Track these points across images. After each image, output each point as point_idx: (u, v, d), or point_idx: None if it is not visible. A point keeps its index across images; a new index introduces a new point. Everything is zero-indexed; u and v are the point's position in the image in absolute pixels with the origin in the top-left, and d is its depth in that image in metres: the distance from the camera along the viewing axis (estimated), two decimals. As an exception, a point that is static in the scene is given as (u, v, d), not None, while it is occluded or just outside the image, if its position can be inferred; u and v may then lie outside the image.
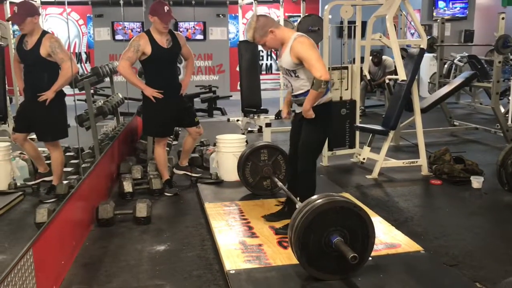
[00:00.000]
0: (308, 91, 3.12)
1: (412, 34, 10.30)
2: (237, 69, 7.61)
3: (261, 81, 7.82)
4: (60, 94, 3.88)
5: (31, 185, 4.15)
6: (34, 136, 4.36)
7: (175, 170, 4.64)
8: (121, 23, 10.34)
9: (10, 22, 5.69)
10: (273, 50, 3.45)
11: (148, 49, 3.98)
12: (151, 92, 4.04)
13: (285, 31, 3.21)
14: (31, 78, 3.88)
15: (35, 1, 8.47)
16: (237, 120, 7.75)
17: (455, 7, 11.07)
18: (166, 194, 4.29)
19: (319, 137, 3.26)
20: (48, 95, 3.76)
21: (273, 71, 12.08)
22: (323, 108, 3.18)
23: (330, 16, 5.19)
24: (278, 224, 3.42)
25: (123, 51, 4.04)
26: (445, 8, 11.06)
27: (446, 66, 9.06)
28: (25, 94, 3.96)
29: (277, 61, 3.35)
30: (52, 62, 3.77)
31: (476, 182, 4.41)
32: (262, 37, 3.16)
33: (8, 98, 5.90)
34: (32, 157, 4.26)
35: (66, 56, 3.79)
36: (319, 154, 3.34)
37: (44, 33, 3.79)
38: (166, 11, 3.95)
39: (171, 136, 5.41)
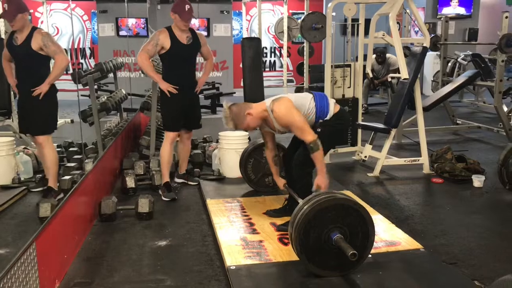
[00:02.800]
0: (312, 118, 3.23)
1: (416, 32, 10.27)
2: (241, 65, 7.61)
3: (264, 78, 7.83)
4: (53, 89, 3.87)
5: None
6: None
7: (175, 179, 4.56)
8: (125, 18, 10.36)
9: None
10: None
11: (167, 44, 4.04)
12: (166, 86, 4.09)
13: (258, 107, 3.27)
14: (23, 73, 3.87)
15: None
16: (240, 117, 7.74)
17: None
18: (164, 199, 4.13)
19: (325, 144, 3.29)
20: (42, 88, 3.75)
21: (277, 68, 12.08)
22: (328, 122, 3.27)
23: (333, 14, 5.19)
24: (279, 221, 3.44)
25: (143, 44, 4.11)
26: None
27: (449, 64, 9.03)
28: (19, 91, 3.95)
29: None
30: (43, 56, 3.78)
31: (478, 181, 4.42)
32: (242, 122, 3.23)
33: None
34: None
35: (58, 48, 3.82)
36: None
37: (34, 28, 3.82)
38: (187, 9, 4.02)
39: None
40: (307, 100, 3.25)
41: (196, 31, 4.30)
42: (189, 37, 4.14)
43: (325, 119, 3.26)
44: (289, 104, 3.15)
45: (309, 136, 3.09)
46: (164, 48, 4.07)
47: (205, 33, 11.00)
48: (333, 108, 3.29)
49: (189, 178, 4.57)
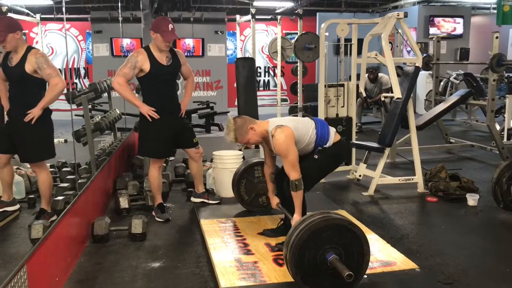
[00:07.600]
0: (311, 146, 3.27)
1: (409, 52, 10.38)
2: (235, 85, 7.65)
3: (258, 97, 7.87)
4: (46, 112, 3.70)
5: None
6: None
7: (192, 199, 4.46)
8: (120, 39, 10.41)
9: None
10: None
11: (147, 66, 3.83)
12: (147, 110, 3.87)
13: (261, 125, 3.30)
14: (16, 95, 3.69)
15: (35, 17, 8.57)
16: (234, 136, 7.75)
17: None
18: (157, 219, 4.05)
19: (319, 172, 3.33)
20: (34, 112, 3.57)
21: (271, 88, 12.15)
22: (327, 150, 3.30)
23: (326, 34, 5.24)
24: (274, 241, 3.42)
25: (120, 67, 3.90)
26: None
27: (442, 83, 9.12)
28: (10, 113, 3.75)
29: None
30: (37, 78, 3.60)
31: (472, 199, 4.42)
32: (244, 135, 3.25)
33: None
34: (4, 183, 3.93)
35: (54, 71, 3.61)
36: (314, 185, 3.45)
37: (30, 48, 3.63)
38: (170, 29, 3.79)
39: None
40: (309, 128, 3.29)
41: (175, 50, 4.06)
42: (168, 57, 3.92)
43: (324, 146, 3.29)
44: (289, 137, 3.16)
45: (295, 174, 3.13)
46: (143, 71, 3.84)
47: (199, 53, 11.13)
48: (333, 137, 3.34)
49: (210, 197, 4.40)
